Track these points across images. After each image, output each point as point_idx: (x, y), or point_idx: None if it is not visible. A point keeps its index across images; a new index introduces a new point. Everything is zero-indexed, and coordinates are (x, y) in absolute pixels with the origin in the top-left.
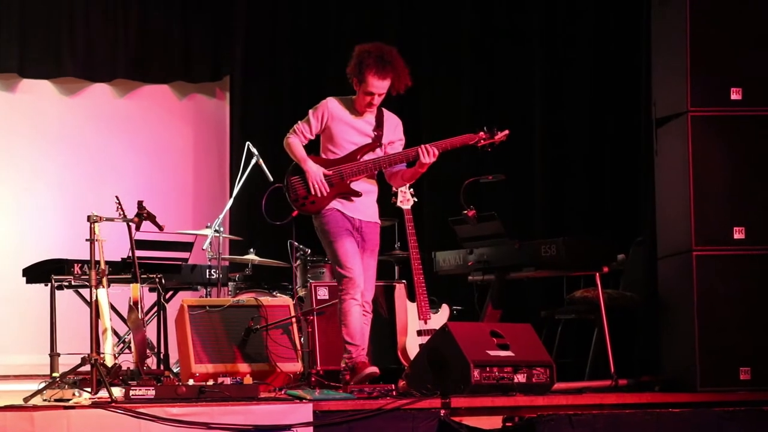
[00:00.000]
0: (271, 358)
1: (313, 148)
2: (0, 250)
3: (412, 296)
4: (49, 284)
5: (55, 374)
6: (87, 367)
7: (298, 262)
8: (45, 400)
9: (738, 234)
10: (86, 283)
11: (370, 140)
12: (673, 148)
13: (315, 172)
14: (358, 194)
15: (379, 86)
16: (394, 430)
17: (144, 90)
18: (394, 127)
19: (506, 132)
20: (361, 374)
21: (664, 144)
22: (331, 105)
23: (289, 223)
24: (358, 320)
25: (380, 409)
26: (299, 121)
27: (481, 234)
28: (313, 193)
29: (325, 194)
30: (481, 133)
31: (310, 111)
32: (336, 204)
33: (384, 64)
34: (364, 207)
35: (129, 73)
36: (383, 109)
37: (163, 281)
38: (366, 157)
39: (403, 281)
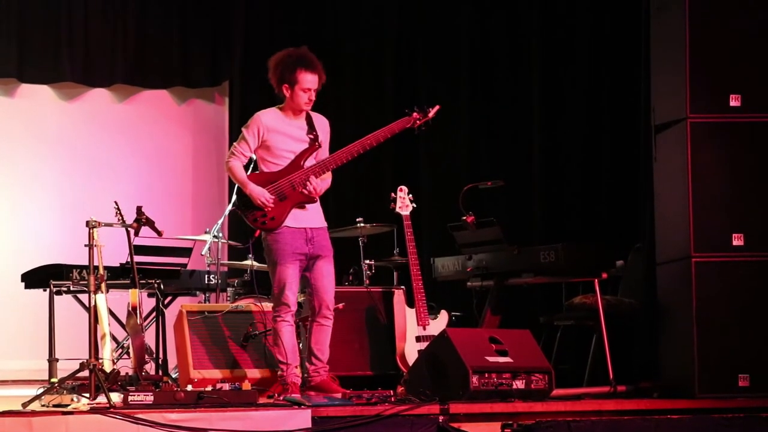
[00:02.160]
0: (269, 364)
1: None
2: None
3: (410, 302)
4: (48, 289)
5: (53, 380)
6: (85, 373)
7: None
8: (43, 406)
9: (737, 240)
10: (85, 288)
11: (306, 145)
12: (672, 154)
13: (258, 193)
14: (313, 200)
15: (313, 81)
16: None
17: (143, 95)
18: (323, 127)
19: (437, 107)
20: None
21: (663, 150)
22: (264, 118)
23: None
24: (291, 341)
25: (379, 416)
26: (235, 143)
27: (480, 240)
28: (263, 209)
29: (271, 206)
30: (414, 114)
31: (243, 129)
32: (288, 219)
33: (309, 60)
34: (312, 214)
35: (128, 78)
36: (309, 111)
37: (162, 287)
38: (308, 162)
39: (402, 287)
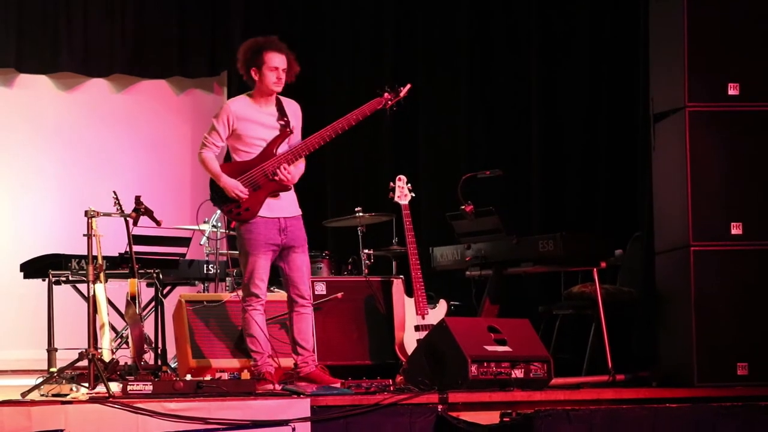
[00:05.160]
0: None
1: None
2: None
3: (409, 291)
4: (47, 279)
5: (52, 369)
6: (84, 362)
7: None
8: (42, 395)
9: (735, 229)
10: (84, 278)
11: (277, 132)
12: (670, 143)
13: (232, 185)
14: (287, 188)
15: (281, 60)
16: (392, 425)
17: (141, 85)
18: (294, 112)
19: (408, 86)
20: (265, 387)
21: (661, 139)
22: (233, 107)
23: None
24: (263, 329)
25: (378, 405)
26: (205, 134)
27: (478, 229)
28: (238, 200)
29: (245, 197)
30: (386, 94)
31: (213, 119)
32: (263, 209)
33: (276, 43)
34: (286, 203)
35: (126, 68)
36: (280, 97)
37: (161, 276)
38: (281, 149)
39: (401, 276)
